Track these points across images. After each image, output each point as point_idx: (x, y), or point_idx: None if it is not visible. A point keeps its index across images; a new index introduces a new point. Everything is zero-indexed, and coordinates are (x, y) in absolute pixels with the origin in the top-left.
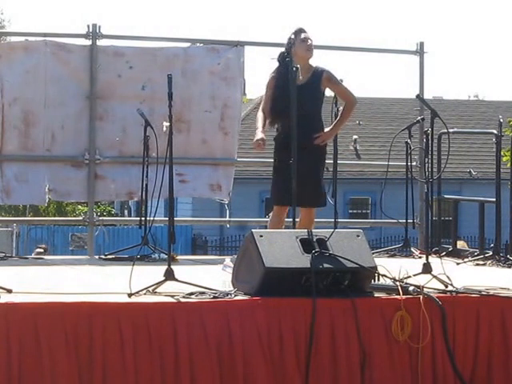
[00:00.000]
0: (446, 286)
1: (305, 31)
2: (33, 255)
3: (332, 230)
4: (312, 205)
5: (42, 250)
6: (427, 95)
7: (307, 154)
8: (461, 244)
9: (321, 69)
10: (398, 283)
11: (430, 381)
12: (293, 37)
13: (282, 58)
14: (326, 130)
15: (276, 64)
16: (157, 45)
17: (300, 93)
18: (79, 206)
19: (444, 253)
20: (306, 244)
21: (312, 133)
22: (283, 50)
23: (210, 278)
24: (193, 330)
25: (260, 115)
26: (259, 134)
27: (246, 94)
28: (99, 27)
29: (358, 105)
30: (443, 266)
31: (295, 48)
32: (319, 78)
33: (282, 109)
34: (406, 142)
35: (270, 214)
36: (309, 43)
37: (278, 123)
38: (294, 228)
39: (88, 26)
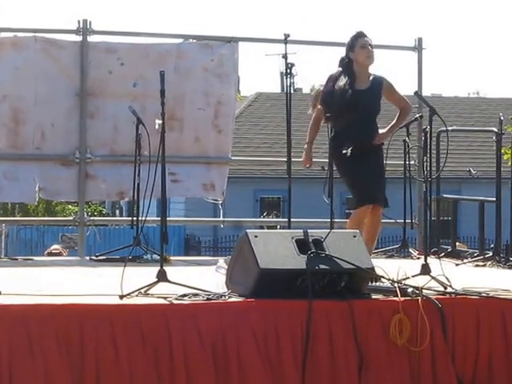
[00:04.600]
0: (446, 288)
1: (364, 35)
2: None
3: (328, 231)
4: (385, 204)
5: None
6: (426, 92)
7: (372, 157)
8: (459, 246)
9: (379, 77)
10: (395, 285)
11: None
12: (352, 42)
13: (342, 64)
14: (382, 131)
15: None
16: (149, 41)
17: (362, 97)
18: (69, 206)
19: (443, 253)
20: (302, 245)
21: (369, 139)
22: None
23: (203, 279)
24: (187, 333)
25: (311, 125)
26: (306, 153)
27: (240, 91)
28: (90, 23)
29: None
30: (442, 267)
31: (355, 54)
32: (380, 85)
33: (339, 115)
34: (404, 141)
35: (352, 213)
36: (369, 49)
37: (335, 127)
38: (289, 228)
39: (78, 22)
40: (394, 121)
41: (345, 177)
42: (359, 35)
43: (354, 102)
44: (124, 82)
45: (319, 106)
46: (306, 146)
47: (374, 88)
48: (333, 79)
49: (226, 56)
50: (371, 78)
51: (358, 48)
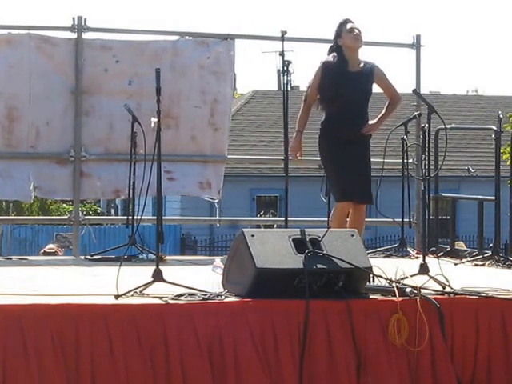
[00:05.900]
0: (444, 288)
1: (351, 21)
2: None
3: (326, 230)
4: (372, 201)
5: (53, 251)
6: (424, 90)
7: (361, 147)
8: (459, 245)
9: (370, 63)
10: (394, 284)
11: None
12: (339, 28)
13: (331, 51)
14: (371, 122)
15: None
16: (144, 38)
17: (353, 80)
18: (64, 205)
19: (442, 253)
20: (299, 244)
21: (362, 123)
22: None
23: (199, 279)
24: (183, 333)
25: (302, 113)
26: (296, 141)
27: (236, 89)
28: (85, 20)
29: None
30: (441, 266)
31: (343, 39)
32: (371, 71)
33: (333, 96)
34: (403, 139)
35: (335, 208)
36: (356, 33)
37: (328, 111)
38: (286, 227)
39: (73, 19)
40: (383, 111)
41: (330, 165)
42: (345, 21)
43: (346, 84)
44: (119, 80)
45: (309, 92)
46: (295, 135)
47: (365, 71)
48: (325, 64)
49: (223, 53)
50: (362, 64)
51: (345, 33)
